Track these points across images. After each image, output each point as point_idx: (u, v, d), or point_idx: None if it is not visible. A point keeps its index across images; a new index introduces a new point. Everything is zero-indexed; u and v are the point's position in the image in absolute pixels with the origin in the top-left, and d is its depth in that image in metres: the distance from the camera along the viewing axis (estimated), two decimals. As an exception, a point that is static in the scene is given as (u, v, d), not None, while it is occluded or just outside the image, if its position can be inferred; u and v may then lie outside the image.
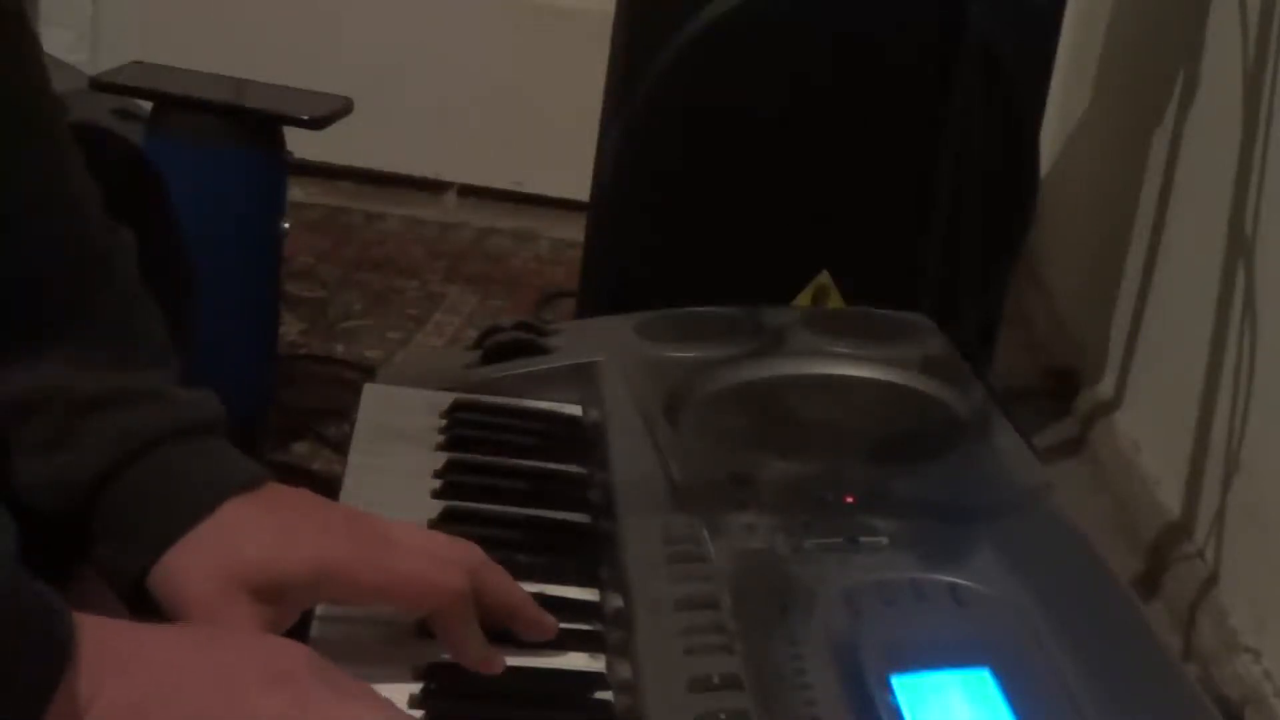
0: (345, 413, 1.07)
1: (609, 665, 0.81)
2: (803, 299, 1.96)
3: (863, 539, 0.86)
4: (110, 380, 0.81)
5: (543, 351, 1.15)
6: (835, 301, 1.96)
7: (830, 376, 1.10)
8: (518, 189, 3.09)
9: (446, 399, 1.09)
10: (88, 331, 0.82)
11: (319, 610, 0.82)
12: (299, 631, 0.79)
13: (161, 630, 0.70)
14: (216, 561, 0.76)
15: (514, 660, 0.81)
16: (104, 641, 0.66)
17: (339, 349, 2.40)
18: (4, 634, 0.63)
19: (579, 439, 1.06)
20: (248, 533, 0.78)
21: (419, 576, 0.78)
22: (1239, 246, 1.87)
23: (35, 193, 0.83)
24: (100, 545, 0.79)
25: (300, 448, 2.02)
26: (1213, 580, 1.83)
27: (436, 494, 0.96)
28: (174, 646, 0.69)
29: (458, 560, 0.80)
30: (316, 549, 0.77)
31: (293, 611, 0.78)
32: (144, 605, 0.78)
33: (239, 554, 0.77)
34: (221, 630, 0.73)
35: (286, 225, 1.98)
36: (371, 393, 1.10)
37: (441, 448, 1.02)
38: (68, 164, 0.86)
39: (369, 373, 1.25)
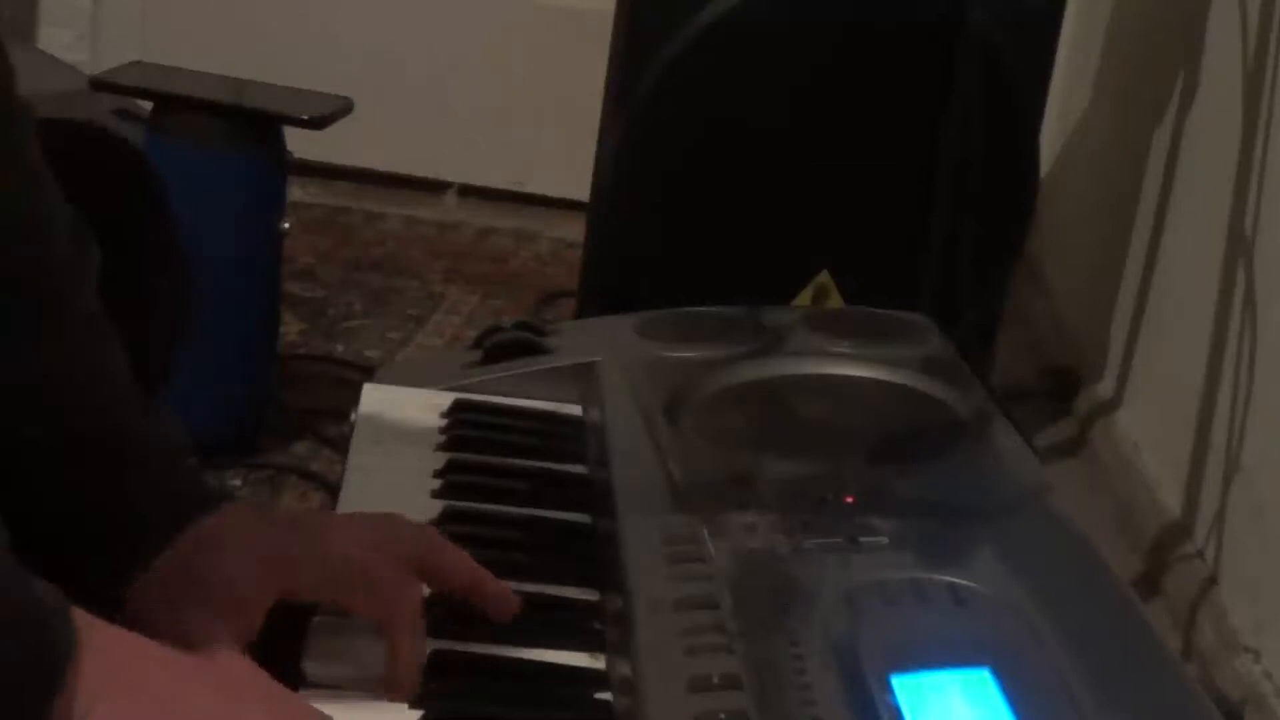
0: (345, 413, 1.07)
1: (609, 665, 0.81)
2: (803, 299, 1.96)
3: (863, 539, 0.86)
4: (71, 420, 0.81)
5: (543, 351, 1.15)
6: (835, 301, 1.96)
7: (830, 376, 1.10)
8: (518, 189, 3.09)
9: (446, 399, 1.09)
10: (49, 369, 0.82)
11: (318, 610, 0.82)
12: (297, 632, 0.80)
13: (170, 657, 0.70)
14: (177, 589, 0.78)
15: (514, 655, 0.81)
16: (109, 659, 0.66)
17: (339, 349, 2.39)
18: (2, 640, 0.63)
19: (579, 439, 1.06)
20: (204, 554, 0.79)
21: (364, 578, 0.79)
22: (1239, 246, 1.87)
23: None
24: (69, 575, 0.80)
25: (300, 448, 2.02)
26: (1213, 580, 1.83)
27: (436, 494, 0.96)
28: (180, 678, 0.69)
29: (405, 557, 0.80)
30: (266, 554, 0.79)
31: (254, 619, 0.79)
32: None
33: (196, 575, 0.78)
34: (233, 673, 0.73)
35: (286, 225, 1.98)
36: (371, 393, 1.10)
37: (442, 448, 1.02)
38: (32, 190, 0.85)
39: (369, 373, 1.25)
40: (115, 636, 0.67)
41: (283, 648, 0.79)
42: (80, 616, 0.66)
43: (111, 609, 0.77)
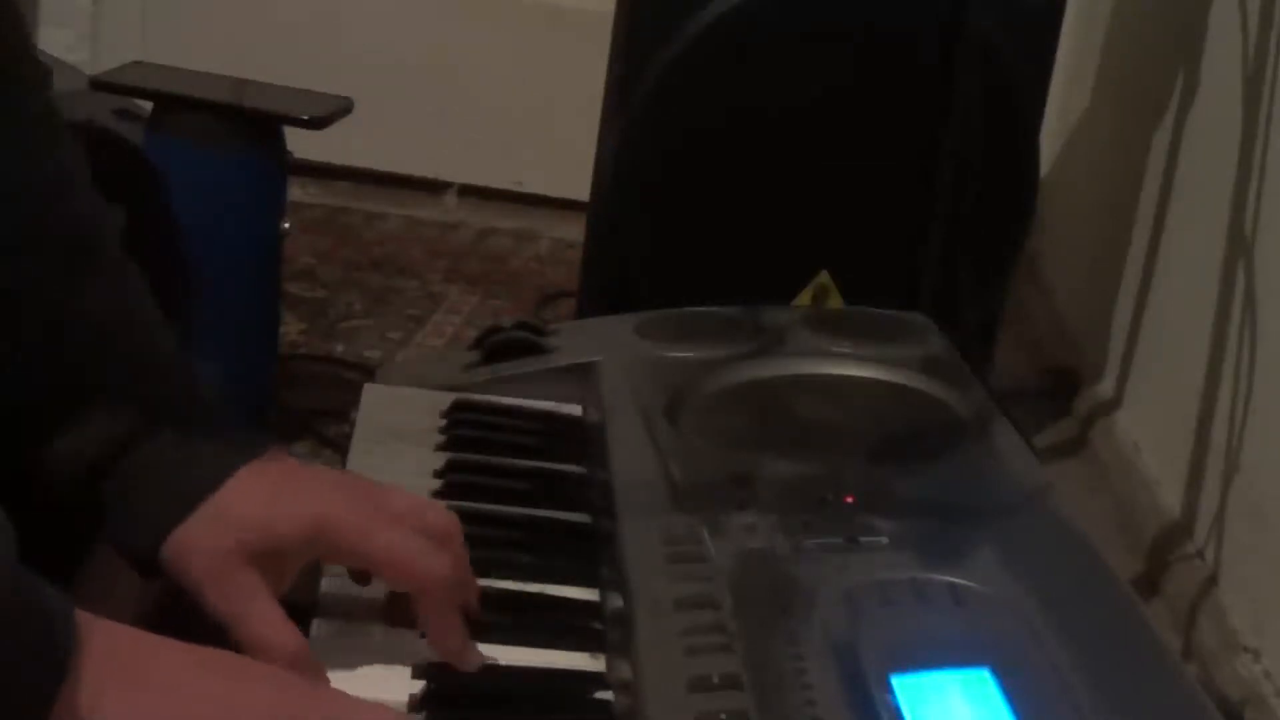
0: (345, 413, 1.07)
1: (609, 665, 0.81)
2: (803, 299, 1.96)
3: (863, 539, 0.86)
4: (110, 366, 0.81)
5: (543, 351, 1.15)
6: (835, 301, 1.96)
7: (830, 376, 1.10)
8: (518, 189, 3.09)
9: (446, 399, 1.09)
10: (85, 315, 0.82)
11: (319, 610, 0.82)
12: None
13: (173, 648, 0.70)
14: (219, 533, 0.78)
15: (514, 659, 0.81)
16: (112, 652, 0.66)
17: (339, 349, 2.39)
18: (3, 641, 0.63)
19: (579, 439, 1.06)
20: (247, 500, 0.79)
21: (406, 555, 0.79)
22: (1239, 246, 1.87)
23: (15, 170, 0.83)
24: (111, 525, 0.80)
25: (300, 448, 2.02)
26: (1213, 580, 1.83)
27: (436, 494, 0.96)
28: (184, 667, 0.68)
29: (445, 539, 0.81)
30: (310, 509, 0.79)
31: (290, 572, 0.79)
32: (157, 575, 0.79)
33: (238, 522, 0.78)
34: (236, 658, 0.73)
35: (287, 225, 1.98)
36: (371, 393, 1.10)
37: (441, 448, 1.02)
38: (51, 140, 0.85)
39: (369, 373, 1.25)
40: (116, 631, 0.67)
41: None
42: (81, 615, 0.66)
43: (151, 553, 0.78)
